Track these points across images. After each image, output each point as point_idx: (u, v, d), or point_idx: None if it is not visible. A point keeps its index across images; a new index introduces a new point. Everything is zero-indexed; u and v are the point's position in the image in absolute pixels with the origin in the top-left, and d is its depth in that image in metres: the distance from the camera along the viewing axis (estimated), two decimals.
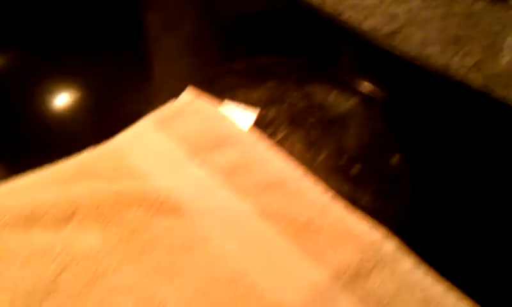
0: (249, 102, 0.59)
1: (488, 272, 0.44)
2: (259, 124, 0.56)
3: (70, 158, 0.50)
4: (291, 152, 0.53)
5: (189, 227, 0.46)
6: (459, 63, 0.62)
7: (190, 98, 0.57)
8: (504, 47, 0.63)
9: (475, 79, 0.60)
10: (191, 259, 0.44)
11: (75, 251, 0.43)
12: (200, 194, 0.48)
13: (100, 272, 0.42)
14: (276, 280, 0.43)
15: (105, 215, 0.46)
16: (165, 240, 0.45)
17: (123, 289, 0.42)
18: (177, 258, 0.44)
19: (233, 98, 0.59)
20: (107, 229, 0.45)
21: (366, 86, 0.61)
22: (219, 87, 0.61)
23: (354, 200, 0.49)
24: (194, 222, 0.46)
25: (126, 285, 0.42)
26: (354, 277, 0.43)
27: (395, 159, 0.53)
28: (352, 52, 0.67)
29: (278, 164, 0.51)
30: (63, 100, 0.60)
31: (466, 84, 0.60)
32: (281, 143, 0.54)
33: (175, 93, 0.58)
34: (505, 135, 0.56)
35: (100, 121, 0.58)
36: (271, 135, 0.55)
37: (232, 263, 0.43)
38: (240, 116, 0.56)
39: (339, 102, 0.59)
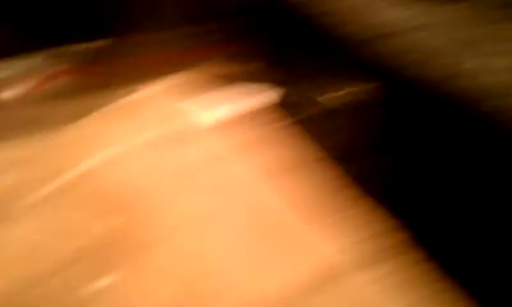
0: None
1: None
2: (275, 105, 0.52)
3: None
4: (272, 148, 0.49)
5: (147, 225, 0.43)
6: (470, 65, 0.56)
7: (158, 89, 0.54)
8: None
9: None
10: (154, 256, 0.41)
11: None
12: (161, 189, 0.46)
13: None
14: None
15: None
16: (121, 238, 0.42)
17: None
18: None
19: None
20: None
21: (358, 84, 0.57)
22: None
23: (334, 203, 0.45)
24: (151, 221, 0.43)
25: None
26: (309, 291, 0.39)
27: (385, 159, 0.49)
28: (344, 49, 0.63)
29: (240, 164, 0.48)
30: None
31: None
32: (263, 138, 0.50)
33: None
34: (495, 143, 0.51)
35: None
36: (253, 129, 0.51)
37: (196, 262, 0.41)
38: (213, 111, 0.53)
39: (331, 99, 0.55)
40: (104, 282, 0.39)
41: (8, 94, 0.56)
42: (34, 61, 0.59)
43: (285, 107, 0.54)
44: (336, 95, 0.55)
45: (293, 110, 0.54)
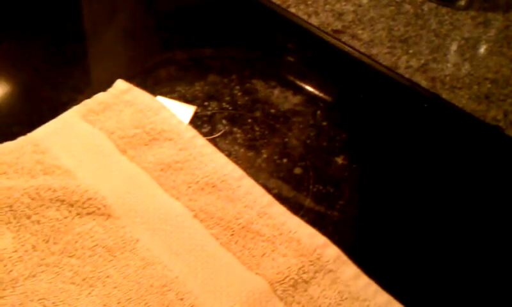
0: (188, 95, 0.55)
1: (431, 282, 0.43)
2: (198, 119, 0.53)
3: None
4: (230, 150, 0.50)
5: (116, 229, 0.42)
6: (406, 64, 0.60)
7: (124, 88, 0.53)
8: (451, 50, 0.62)
9: (421, 81, 0.58)
10: (117, 264, 0.40)
11: None
12: (130, 192, 0.44)
13: (10, 279, 0.38)
14: (211, 287, 0.40)
15: (20, 216, 0.41)
16: (88, 243, 0.41)
17: (37, 298, 0.37)
18: (101, 263, 0.40)
19: (172, 90, 0.55)
20: (21, 231, 0.41)
21: (312, 84, 0.58)
22: (157, 78, 0.57)
23: (296, 203, 0.46)
24: (121, 224, 0.42)
25: (40, 294, 0.38)
26: (293, 286, 0.40)
27: (340, 160, 0.51)
28: (299, 48, 0.64)
29: (216, 163, 0.47)
30: None
31: (413, 84, 0.58)
32: (220, 141, 0.51)
33: (110, 83, 0.53)
34: (451, 137, 0.54)
35: (26, 110, 0.53)
36: (210, 132, 0.52)
37: (163, 269, 0.40)
38: (176, 111, 0.52)
39: (283, 99, 0.56)
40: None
41: None
42: None
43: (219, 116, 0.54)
44: (288, 96, 0.57)
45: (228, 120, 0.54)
